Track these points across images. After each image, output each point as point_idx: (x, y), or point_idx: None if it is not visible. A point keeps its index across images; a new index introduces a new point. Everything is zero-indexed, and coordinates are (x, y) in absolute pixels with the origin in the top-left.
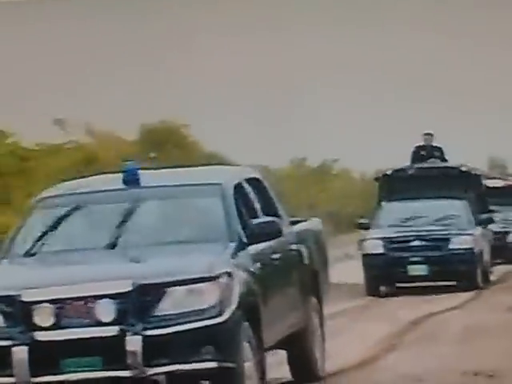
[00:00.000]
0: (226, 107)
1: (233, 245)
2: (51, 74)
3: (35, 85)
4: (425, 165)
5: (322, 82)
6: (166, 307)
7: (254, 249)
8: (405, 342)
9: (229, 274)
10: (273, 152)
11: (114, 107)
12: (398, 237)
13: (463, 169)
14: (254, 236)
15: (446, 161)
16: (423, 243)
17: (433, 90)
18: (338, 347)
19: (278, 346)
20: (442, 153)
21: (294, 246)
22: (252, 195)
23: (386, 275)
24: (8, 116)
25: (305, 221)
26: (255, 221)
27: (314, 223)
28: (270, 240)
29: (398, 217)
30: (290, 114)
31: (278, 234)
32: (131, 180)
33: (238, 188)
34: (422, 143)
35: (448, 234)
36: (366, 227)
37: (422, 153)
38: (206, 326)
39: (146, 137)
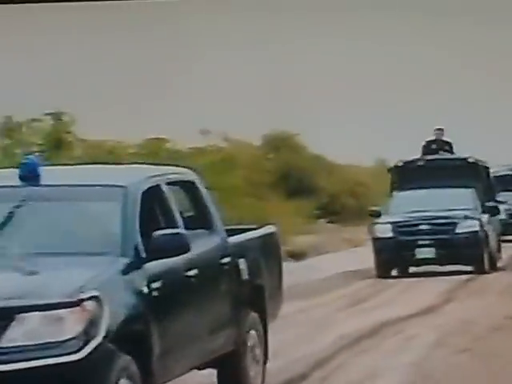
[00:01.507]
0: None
1: (124, 260)
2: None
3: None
4: (434, 156)
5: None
6: (13, 337)
7: (155, 265)
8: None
9: (96, 299)
10: (361, 153)
11: (238, 119)
12: (406, 221)
13: (470, 160)
14: (155, 250)
15: (453, 154)
16: (431, 227)
17: (469, 91)
18: (408, 299)
19: (207, 365)
20: (451, 147)
21: (226, 260)
22: (172, 202)
23: (394, 258)
24: (164, 125)
25: (256, 229)
26: (157, 233)
27: (266, 232)
28: (173, 256)
29: (408, 204)
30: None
31: (182, 248)
32: (29, 177)
33: (152, 192)
34: (433, 138)
35: (455, 219)
36: (378, 215)
37: (433, 146)
38: (60, 364)
39: (266, 142)
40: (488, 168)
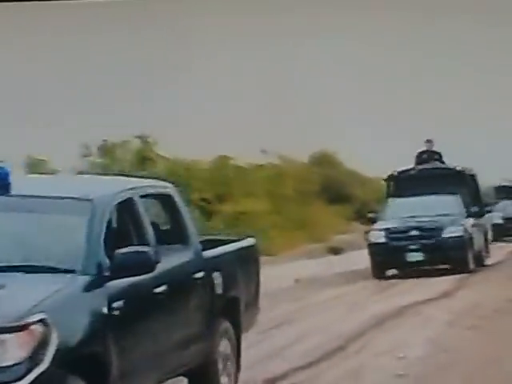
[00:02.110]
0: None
1: (84, 278)
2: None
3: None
4: (425, 166)
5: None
6: None
7: (118, 284)
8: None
9: (44, 322)
10: (389, 167)
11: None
12: (397, 227)
13: (458, 169)
14: (118, 269)
15: (443, 163)
16: (419, 233)
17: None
18: (424, 287)
19: (179, 374)
20: (440, 156)
21: (199, 274)
22: (145, 216)
23: (387, 262)
24: (227, 146)
25: (236, 241)
26: (120, 251)
27: (244, 244)
28: (137, 274)
29: (400, 211)
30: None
31: (146, 267)
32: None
33: (123, 206)
34: (424, 149)
35: (441, 225)
36: (374, 221)
37: (424, 156)
38: None
39: (312, 160)
40: (474, 175)
